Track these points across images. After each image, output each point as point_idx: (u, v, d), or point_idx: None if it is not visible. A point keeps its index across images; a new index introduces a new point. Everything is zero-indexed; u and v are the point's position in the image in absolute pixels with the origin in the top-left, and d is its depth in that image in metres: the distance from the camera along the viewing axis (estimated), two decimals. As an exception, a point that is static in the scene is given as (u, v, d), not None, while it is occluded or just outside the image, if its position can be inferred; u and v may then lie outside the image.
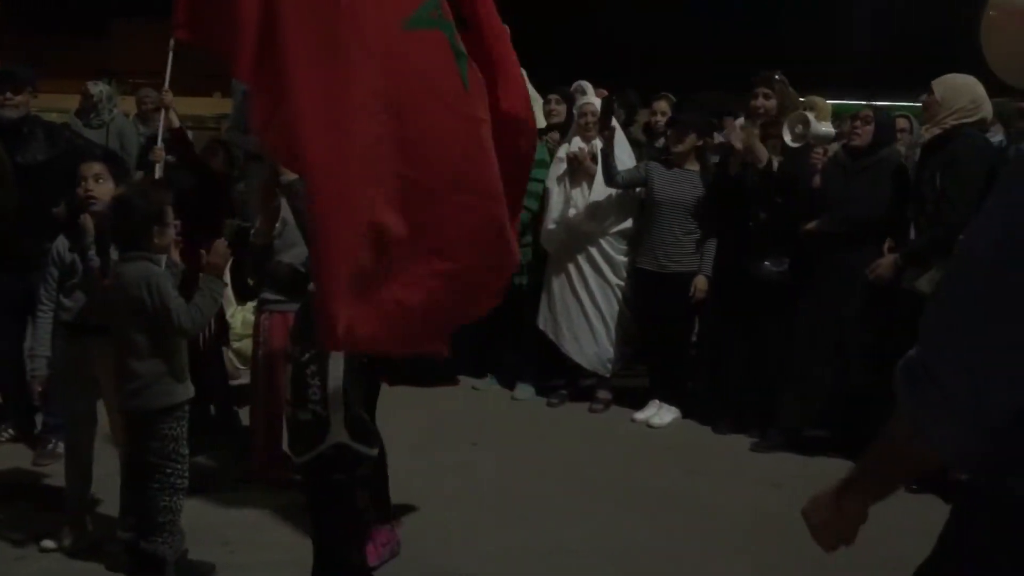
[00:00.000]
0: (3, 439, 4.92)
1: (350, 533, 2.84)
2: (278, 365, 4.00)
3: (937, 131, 4.66)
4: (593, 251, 5.88)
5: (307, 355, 2.76)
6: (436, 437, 5.25)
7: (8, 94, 4.58)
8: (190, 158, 5.08)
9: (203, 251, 3.49)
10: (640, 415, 5.81)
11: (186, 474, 3.51)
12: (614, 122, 5.83)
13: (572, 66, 7.83)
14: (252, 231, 4.08)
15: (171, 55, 3.79)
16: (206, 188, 4.97)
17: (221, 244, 3.31)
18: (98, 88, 7.64)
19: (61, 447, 4.36)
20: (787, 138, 5.19)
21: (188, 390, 3.50)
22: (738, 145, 5.35)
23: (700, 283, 5.60)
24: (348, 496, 2.82)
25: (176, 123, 4.83)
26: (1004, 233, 1.21)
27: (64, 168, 4.38)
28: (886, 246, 5.03)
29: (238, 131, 5.84)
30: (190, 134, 6.00)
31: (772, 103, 5.38)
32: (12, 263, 4.64)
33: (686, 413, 5.81)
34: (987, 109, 4.72)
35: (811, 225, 5.12)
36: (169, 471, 3.44)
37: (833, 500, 1.63)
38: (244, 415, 5.03)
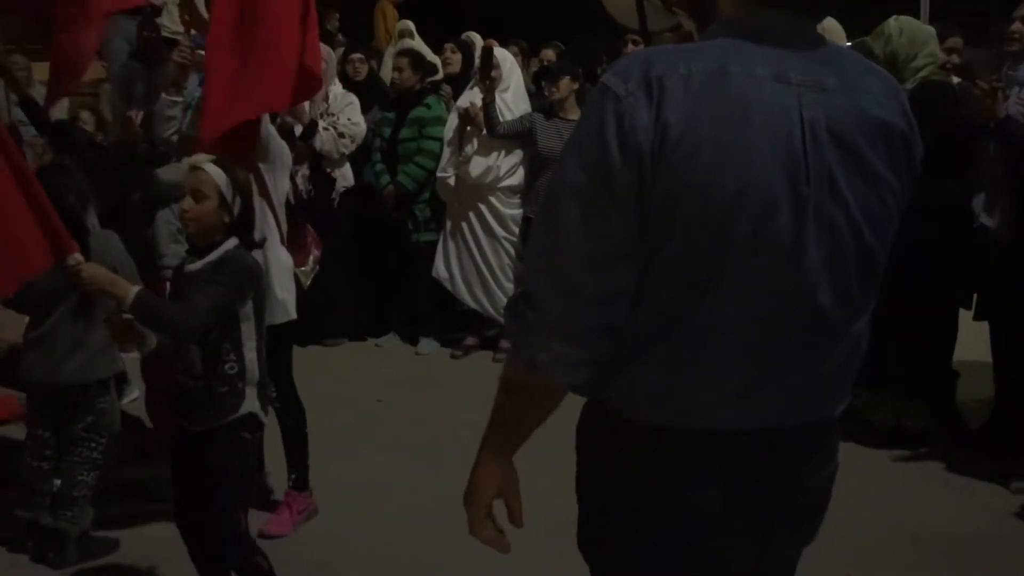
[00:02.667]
0: None
1: (243, 495, 2.87)
2: None
3: None
4: (482, 206, 5.93)
5: (215, 333, 2.74)
6: (340, 396, 5.25)
7: None
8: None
9: None
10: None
11: (102, 450, 3.52)
12: (512, 72, 5.83)
13: (459, 15, 7.79)
14: None
15: None
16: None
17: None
18: None
19: None
20: None
21: (121, 362, 3.49)
22: None
23: None
24: (251, 457, 2.89)
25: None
26: (583, 159, 1.35)
27: None
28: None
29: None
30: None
31: (641, 48, 5.47)
32: None
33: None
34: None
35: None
36: (94, 445, 3.47)
37: (474, 472, 1.76)
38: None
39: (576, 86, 5.78)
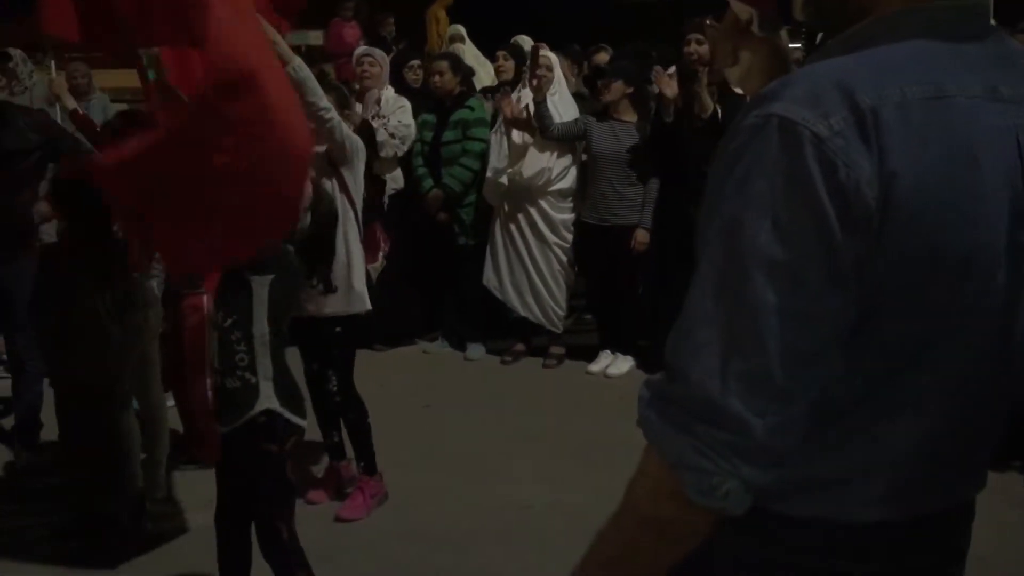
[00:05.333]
0: None
1: (279, 506, 2.82)
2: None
3: None
4: (533, 210, 5.86)
5: (230, 320, 2.72)
6: (388, 401, 5.22)
7: None
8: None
9: None
10: (594, 367, 5.85)
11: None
12: (557, 75, 5.79)
13: (514, 23, 7.76)
14: None
15: None
16: None
17: None
18: (17, 53, 7.46)
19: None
20: (732, 80, 5.19)
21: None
22: (669, 93, 5.34)
23: (640, 236, 5.62)
24: (278, 468, 2.80)
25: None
26: (779, 225, 1.03)
27: (39, 160, 4.36)
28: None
29: None
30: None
31: (705, 48, 5.38)
32: None
33: (640, 363, 5.86)
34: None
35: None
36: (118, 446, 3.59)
37: None
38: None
39: (629, 89, 5.72)
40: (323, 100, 3.59)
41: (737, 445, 1.04)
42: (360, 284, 3.90)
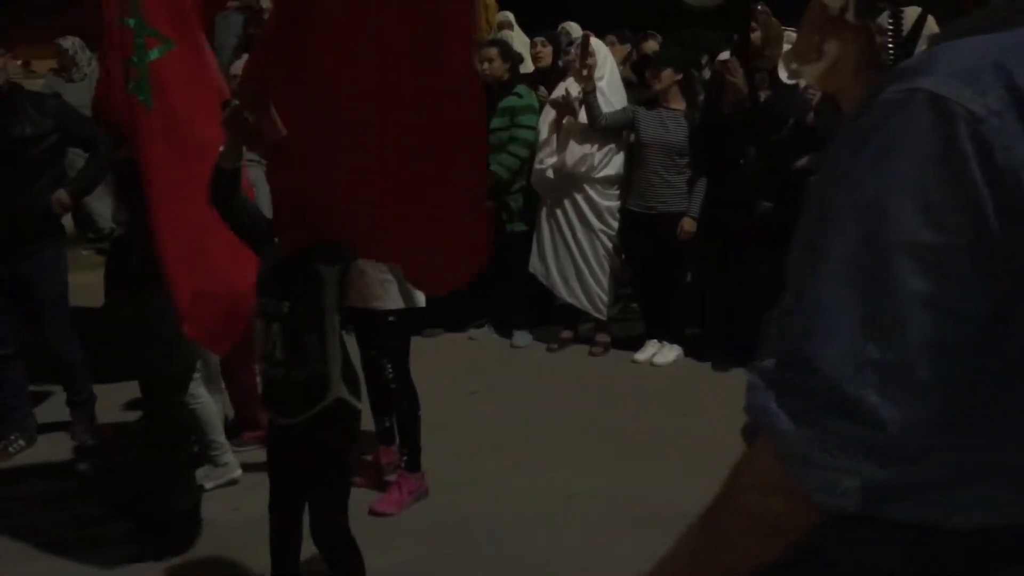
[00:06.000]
0: (15, 451, 4.53)
1: (340, 492, 2.84)
2: None
3: None
4: (579, 197, 5.85)
5: (297, 311, 2.72)
6: (435, 387, 5.25)
7: None
8: None
9: None
10: (640, 355, 5.83)
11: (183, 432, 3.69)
12: (607, 62, 5.75)
13: (559, 7, 7.73)
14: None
15: None
16: None
17: None
18: (69, 42, 7.63)
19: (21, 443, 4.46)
20: (783, 75, 5.11)
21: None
22: (738, 83, 5.25)
23: (687, 225, 5.58)
24: (344, 455, 2.82)
25: None
26: (928, 207, 0.95)
27: (53, 142, 4.29)
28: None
29: None
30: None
31: (756, 35, 5.32)
32: (3, 250, 4.29)
33: (687, 351, 5.84)
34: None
35: (803, 161, 5.09)
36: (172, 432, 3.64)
37: None
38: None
39: (679, 76, 5.68)
40: None
41: (868, 441, 0.97)
42: None
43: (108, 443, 4.62)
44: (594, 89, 5.59)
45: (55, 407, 4.83)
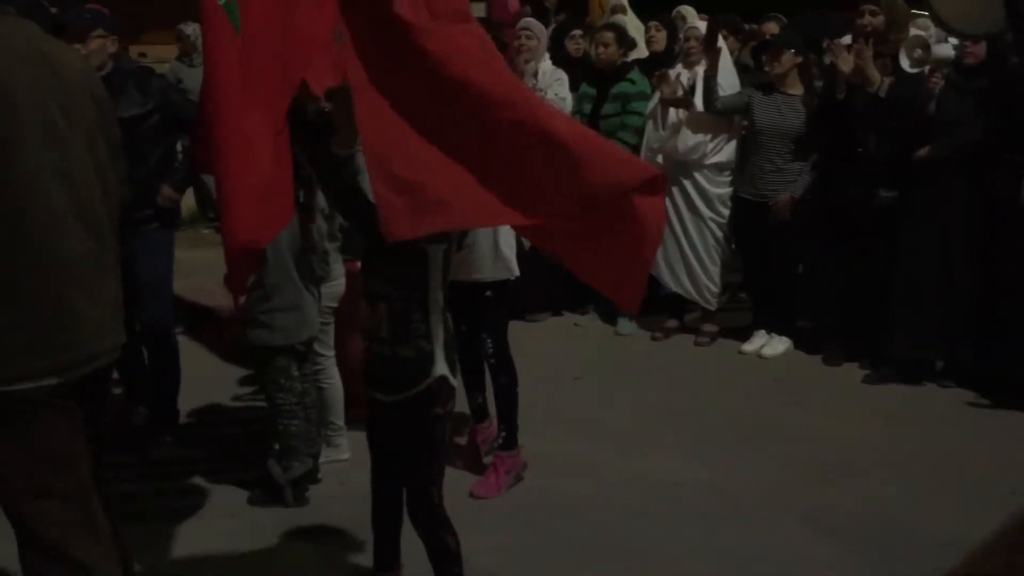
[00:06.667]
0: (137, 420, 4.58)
1: (436, 469, 2.87)
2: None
3: None
4: (688, 184, 5.76)
5: (402, 290, 2.73)
6: (538, 372, 5.28)
7: (78, 47, 3.94)
8: None
9: None
10: (748, 347, 5.73)
11: (292, 402, 3.79)
12: (720, 45, 5.64)
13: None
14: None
15: None
16: None
17: None
18: (191, 28, 7.86)
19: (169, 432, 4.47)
20: (905, 64, 4.93)
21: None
22: (845, 68, 5.10)
23: (781, 199, 5.44)
24: (439, 431, 2.83)
25: None
26: None
27: (156, 123, 4.22)
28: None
29: None
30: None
31: (879, 20, 5.13)
32: None
33: (797, 344, 5.71)
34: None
35: (924, 151, 4.89)
36: (279, 401, 3.77)
37: None
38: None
39: (799, 60, 5.52)
40: None
41: None
42: (508, 251, 3.92)
43: (220, 410, 4.81)
44: (716, 74, 5.48)
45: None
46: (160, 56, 9.22)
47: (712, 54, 5.49)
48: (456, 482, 3.90)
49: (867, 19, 5.14)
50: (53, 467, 2.26)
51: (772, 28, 6.90)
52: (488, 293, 3.91)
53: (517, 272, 3.98)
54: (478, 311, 3.99)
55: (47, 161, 2.21)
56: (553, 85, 5.92)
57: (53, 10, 5.75)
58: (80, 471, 2.32)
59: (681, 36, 5.93)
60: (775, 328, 5.74)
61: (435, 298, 2.75)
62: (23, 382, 2.17)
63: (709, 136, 5.64)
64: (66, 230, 2.25)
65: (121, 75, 4.14)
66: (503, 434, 4.01)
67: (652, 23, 6.41)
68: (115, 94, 4.00)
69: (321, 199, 3.82)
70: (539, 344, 5.82)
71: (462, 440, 4.31)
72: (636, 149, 5.86)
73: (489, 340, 3.98)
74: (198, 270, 6.23)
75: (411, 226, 2.51)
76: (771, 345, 5.69)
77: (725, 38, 6.07)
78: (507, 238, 3.92)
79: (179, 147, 4.33)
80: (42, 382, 2.19)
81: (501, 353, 4.00)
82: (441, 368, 2.77)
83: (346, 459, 4.14)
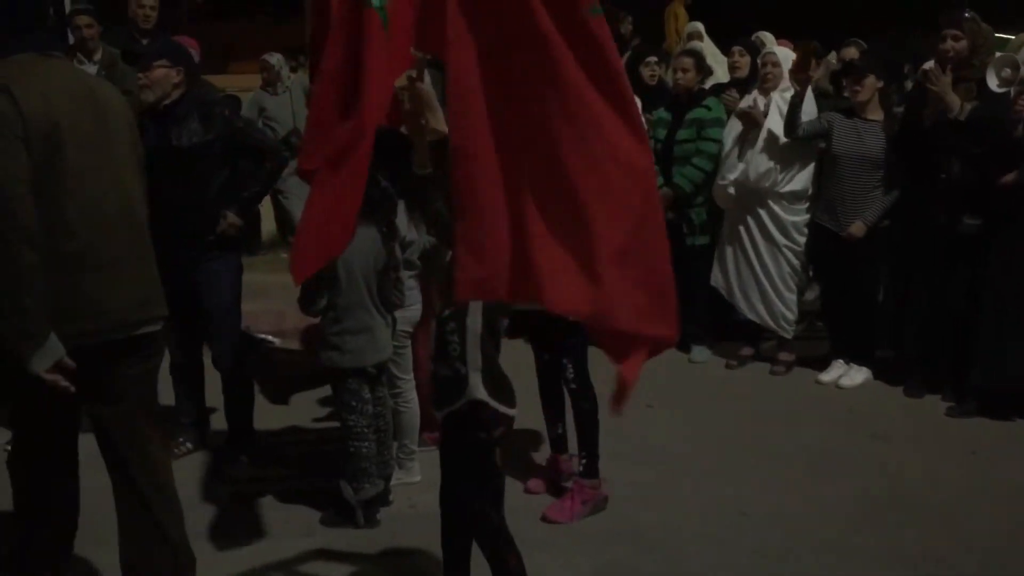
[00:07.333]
0: (181, 453, 4.54)
1: (487, 493, 2.89)
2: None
3: None
4: (762, 212, 5.68)
5: (447, 311, 2.82)
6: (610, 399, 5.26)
7: (140, 76, 4.24)
8: None
9: None
10: (826, 376, 5.61)
11: (364, 424, 3.82)
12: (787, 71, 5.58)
13: (749, 15, 7.57)
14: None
15: None
16: None
17: None
18: (275, 58, 8.25)
19: (189, 446, 4.57)
20: (992, 83, 4.79)
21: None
22: (944, 96, 4.93)
23: (854, 227, 5.34)
24: (485, 455, 2.86)
25: None
26: None
27: (218, 151, 4.26)
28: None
29: None
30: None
31: (962, 44, 5.01)
32: (174, 259, 3.95)
33: (877, 374, 5.57)
34: None
35: (1010, 176, 4.75)
36: (351, 424, 3.82)
37: None
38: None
39: (880, 85, 5.43)
40: None
41: None
42: None
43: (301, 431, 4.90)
44: (803, 100, 5.41)
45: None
46: (244, 85, 9.53)
47: (803, 79, 5.43)
48: (532, 504, 3.95)
49: (949, 44, 5.02)
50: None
51: (852, 53, 6.81)
52: (570, 318, 3.88)
53: None
54: (560, 339, 4.00)
55: (92, 176, 2.63)
56: (626, 110, 5.93)
57: (144, 41, 6.09)
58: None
59: (759, 61, 5.88)
60: (854, 358, 5.61)
61: (473, 321, 2.81)
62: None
63: (781, 162, 5.57)
64: (105, 226, 2.65)
65: (185, 105, 4.21)
66: (584, 461, 4.00)
67: (736, 48, 6.37)
68: (176, 123, 4.17)
69: (400, 226, 3.89)
70: (611, 370, 5.76)
71: (542, 460, 4.33)
72: (710, 175, 5.82)
73: (570, 365, 3.98)
74: (274, 294, 6.37)
75: (474, 292, 2.55)
76: (849, 375, 5.56)
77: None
78: None
79: (243, 170, 4.41)
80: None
81: (582, 379, 3.99)
82: (477, 392, 2.82)
83: (417, 481, 4.17)
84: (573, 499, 3.94)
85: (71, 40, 6.46)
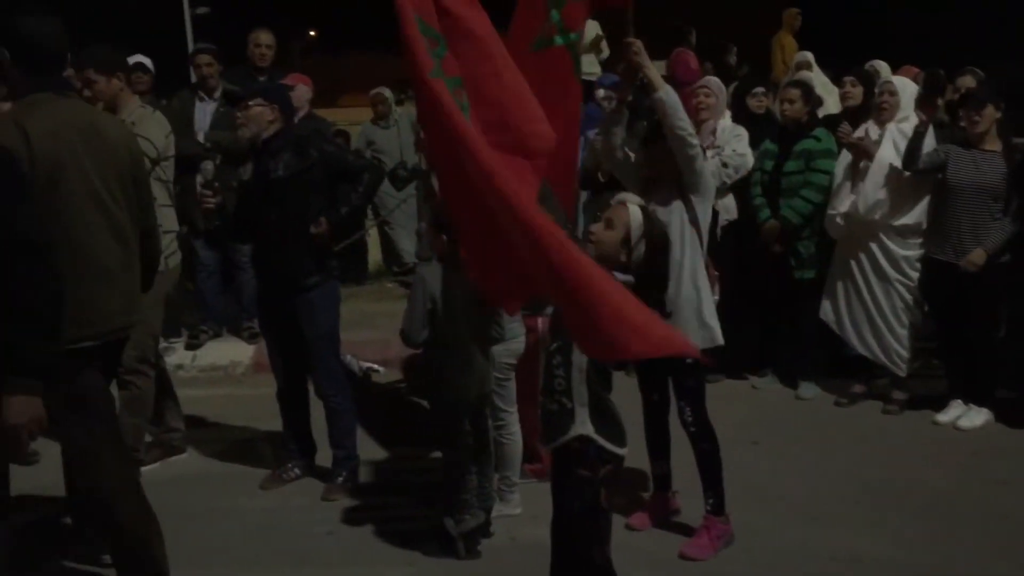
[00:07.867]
0: (289, 478, 4.69)
1: (591, 530, 2.85)
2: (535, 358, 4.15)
3: None
4: (874, 245, 5.51)
5: (555, 345, 2.84)
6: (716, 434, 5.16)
7: (238, 114, 4.54)
8: None
9: None
10: (943, 417, 5.38)
11: (465, 456, 3.86)
12: (912, 102, 5.42)
13: (859, 43, 7.41)
14: None
15: None
16: None
17: None
18: (388, 92, 8.58)
19: (296, 472, 4.68)
20: None
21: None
22: None
23: (973, 256, 5.12)
24: (590, 493, 2.83)
25: None
26: None
27: (315, 178, 4.40)
28: None
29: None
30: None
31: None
32: (276, 288, 4.48)
33: (999, 416, 5.32)
34: None
35: None
36: (451, 455, 3.88)
37: None
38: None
39: (998, 115, 5.23)
40: (689, 126, 3.79)
41: None
42: (712, 319, 3.91)
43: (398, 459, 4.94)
44: (926, 132, 5.26)
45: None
46: (354, 118, 9.82)
47: (929, 110, 5.28)
48: (634, 541, 3.90)
49: None
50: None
51: (968, 82, 6.57)
52: (688, 360, 3.81)
53: (722, 340, 3.95)
54: (674, 379, 3.97)
55: (89, 199, 3.10)
56: (731, 141, 5.87)
57: (261, 79, 6.35)
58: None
59: (876, 91, 5.72)
60: (973, 398, 5.37)
61: (579, 356, 2.81)
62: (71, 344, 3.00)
63: (894, 195, 5.39)
64: (98, 244, 3.13)
65: (280, 140, 4.43)
66: (711, 500, 3.95)
67: (848, 78, 6.22)
68: (272, 156, 4.42)
69: None
70: (716, 406, 5.61)
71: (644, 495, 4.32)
72: (819, 208, 5.69)
73: (688, 408, 3.95)
74: (380, 323, 6.48)
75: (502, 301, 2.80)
76: (969, 416, 5.32)
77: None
78: (710, 307, 3.91)
79: (342, 192, 4.58)
80: (80, 344, 3.06)
81: (701, 420, 3.96)
82: (582, 428, 2.81)
83: (518, 514, 4.16)
84: (708, 533, 3.90)
85: (192, 78, 6.78)
